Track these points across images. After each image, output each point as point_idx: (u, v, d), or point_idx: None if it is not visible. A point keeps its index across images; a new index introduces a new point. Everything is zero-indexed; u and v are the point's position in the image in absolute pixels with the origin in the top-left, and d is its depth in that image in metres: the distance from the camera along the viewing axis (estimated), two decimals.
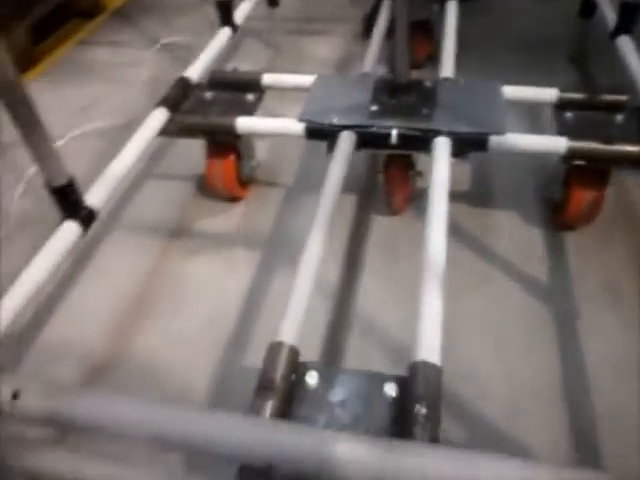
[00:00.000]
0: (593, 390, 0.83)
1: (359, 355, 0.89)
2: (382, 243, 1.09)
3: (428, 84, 1.05)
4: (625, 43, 1.18)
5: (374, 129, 0.97)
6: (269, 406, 0.60)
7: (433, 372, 0.62)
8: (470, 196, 1.17)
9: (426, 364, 0.62)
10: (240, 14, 1.38)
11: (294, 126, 1.00)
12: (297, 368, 0.65)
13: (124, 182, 1.00)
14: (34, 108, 0.72)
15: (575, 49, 1.52)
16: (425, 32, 1.51)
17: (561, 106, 1.02)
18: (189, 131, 1.06)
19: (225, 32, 1.32)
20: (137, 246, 1.11)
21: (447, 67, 1.12)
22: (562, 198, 1.05)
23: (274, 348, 0.65)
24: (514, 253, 1.04)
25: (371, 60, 1.18)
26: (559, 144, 0.92)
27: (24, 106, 0.71)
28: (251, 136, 1.16)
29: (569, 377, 0.85)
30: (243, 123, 1.02)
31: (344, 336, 0.92)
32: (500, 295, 0.97)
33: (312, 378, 0.65)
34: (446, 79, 1.08)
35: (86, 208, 0.85)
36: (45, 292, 1.00)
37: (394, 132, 0.96)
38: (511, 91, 1.04)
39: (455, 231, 1.08)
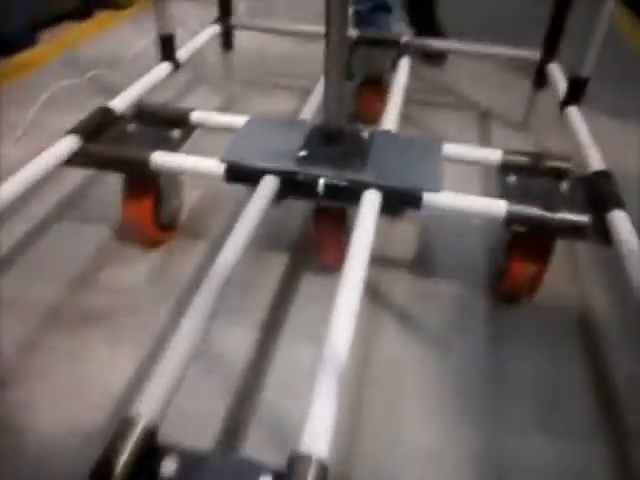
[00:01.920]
0: None
1: (255, 442, 0.76)
2: (309, 305, 0.97)
3: (364, 135, 0.97)
4: (573, 114, 1.14)
5: (300, 176, 0.88)
6: None
7: (317, 468, 0.50)
8: (411, 262, 1.08)
9: (309, 458, 0.50)
10: (184, 52, 1.32)
11: (214, 166, 0.90)
12: (151, 452, 0.52)
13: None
14: None
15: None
16: (378, 88, 1.47)
17: (504, 168, 0.96)
18: (98, 163, 0.96)
19: (163, 67, 1.25)
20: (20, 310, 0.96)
21: (389, 120, 1.05)
22: (504, 267, 0.97)
23: (122, 425, 0.52)
24: (447, 327, 0.95)
25: (311, 107, 1.11)
26: (498, 208, 0.84)
27: None
28: (173, 176, 1.07)
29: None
30: (158, 158, 0.92)
31: (243, 419, 0.79)
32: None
33: (169, 466, 0.52)
34: (385, 132, 1.01)
35: None
36: None
37: (321, 181, 0.87)
38: (453, 149, 0.97)
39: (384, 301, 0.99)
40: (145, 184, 1.01)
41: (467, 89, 1.74)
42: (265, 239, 1.09)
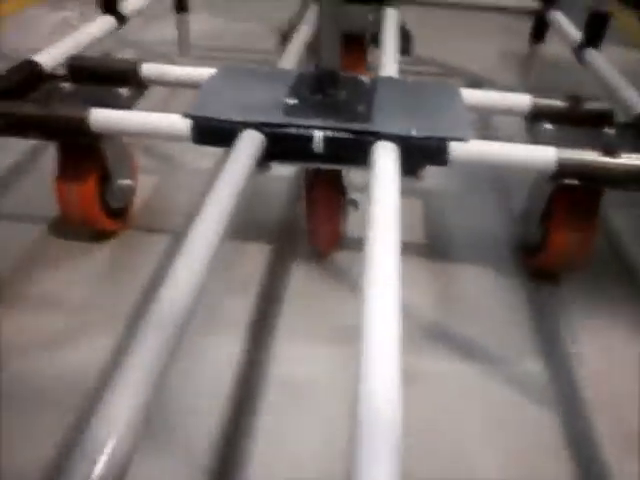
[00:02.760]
0: None
1: None
2: (300, 303, 0.77)
3: (365, 80, 0.78)
4: (595, 56, 0.98)
5: (290, 129, 0.68)
6: None
7: None
8: (425, 245, 0.89)
9: None
10: (130, 4, 1.09)
11: (176, 123, 0.69)
12: None
13: None
14: None
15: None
16: (360, 48, 1.29)
17: (535, 115, 0.79)
18: (21, 126, 0.72)
19: (105, 20, 1.02)
20: None
21: (389, 68, 0.86)
22: (540, 238, 0.80)
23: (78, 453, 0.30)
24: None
25: (291, 58, 0.91)
26: (547, 155, 0.66)
27: None
28: (121, 147, 0.84)
29: None
30: (100, 116, 0.70)
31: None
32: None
33: None
34: (389, 77, 0.82)
35: None
36: None
37: (318, 134, 0.67)
38: (471, 95, 0.79)
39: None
40: (86, 156, 0.79)
41: (451, 55, 1.57)
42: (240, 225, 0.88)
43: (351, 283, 0.80)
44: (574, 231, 0.75)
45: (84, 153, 0.79)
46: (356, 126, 0.67)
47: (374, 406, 0.35)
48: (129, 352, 0.38)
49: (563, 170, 0.66)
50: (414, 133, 0.67)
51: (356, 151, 0.67)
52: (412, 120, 0.69)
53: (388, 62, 0.88)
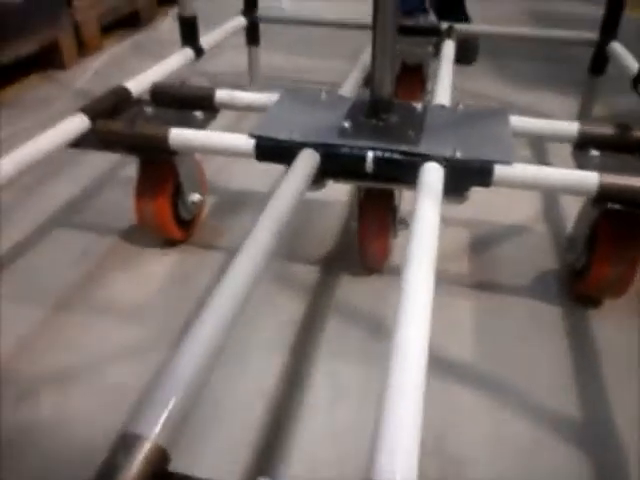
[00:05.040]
0: None
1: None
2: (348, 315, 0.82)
3: (417, 107, 0.84)
4: None
5: (344, 149, 0.74)
6: None
7: None
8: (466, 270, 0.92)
9: None
10: (208, 39, 1.21)
11: (242, 142, 0.77)
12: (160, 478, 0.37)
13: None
14: None
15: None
16: (418, 78, 1.35)
17: (583, 142, 0.81)
18: (109, 142, 0.83)
19: (185, 53, 1.14)
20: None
21: (442, 95, 0.92)
22: (585, 262, 0.81)
23: (124, 442, 0.37)
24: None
25: (351, 85, 0.98)
26: (588, 180, 0.69)
27: None
28: (194, 165, 0.94)
29: None
30: (178, 135, 0.80)
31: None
32: None
33: None
34: (440, 105, 0.87)
35: None
36: None
37: (370, 154, 0.73)
38: (520, 122, 0.83)
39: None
40: (163, 172, 0.89)
41: (503, 90, 1.59)
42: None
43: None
44: (617, 258, 0.76)
45: (161, 169, 0.89)
46: (404, 147, 0.73)
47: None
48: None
49: (604, 193, 0.68)
50: (459, 155, 0.71)
51: (404, 171, 0.72)
52: (458, 143, 0.74)
53: (441, 90, 0.94)
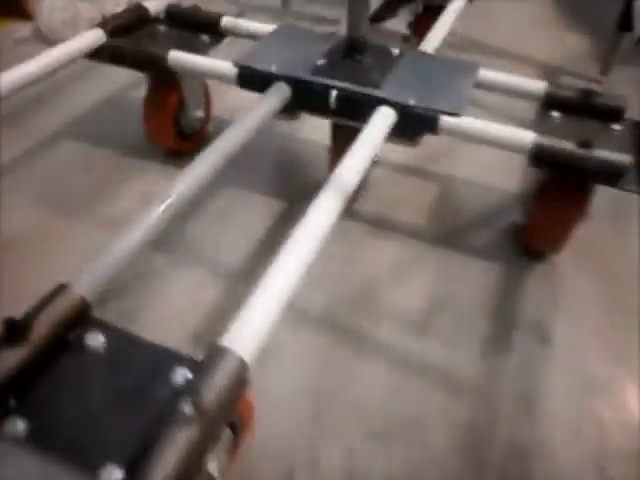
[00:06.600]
0: None
1: None
2: None
3: (393, 51, 0.89)
4: None
5: (312, 86, 0.82)
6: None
7: (234, 364, 0.47)
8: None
9: (228, 353, 0.47)
10: None
11: (227, 69, 0.86)
12: (80, 323, 0.51)
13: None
14: None
15: None
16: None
17: (548, 103, 0.85)
18: (119, 58, 0.94)
19: None
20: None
21: (431, 42, 0.96)
22: (528, 218, 0.88)
23: (56, 291, 0.51)
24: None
25: None
26: (524, 138, 0.75)
27: None
28: (197, 83, 1.04)
29: None
30: (176, 57, 0.90)
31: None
32: None
33: (95, 339, 0.51)
34: (420, 52, 0.92)
35: None
36: None
37: (333, 93, 0.81)
38: (491, 76, 0.87)
39: None
40: (168, 88, 1.00)
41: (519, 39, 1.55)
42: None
43: None
44: (552, 215, 0.82)
45: (167, 85, 0.99)
46: (364, 89, 0.80)
47: None
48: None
49: (536, 153, 0.74)
50: (412, 102, 0.78)
51: (362, 111, 0.80)
52: (416, 91, 0.80)
53: (434, 36, 0.97)
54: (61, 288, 0.51)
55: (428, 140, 0.81)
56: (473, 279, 0.86)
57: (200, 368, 0.46)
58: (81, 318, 0.52)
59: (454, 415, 0.69)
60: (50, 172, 1.04)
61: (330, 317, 0.80)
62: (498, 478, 0.64)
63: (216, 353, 0.47)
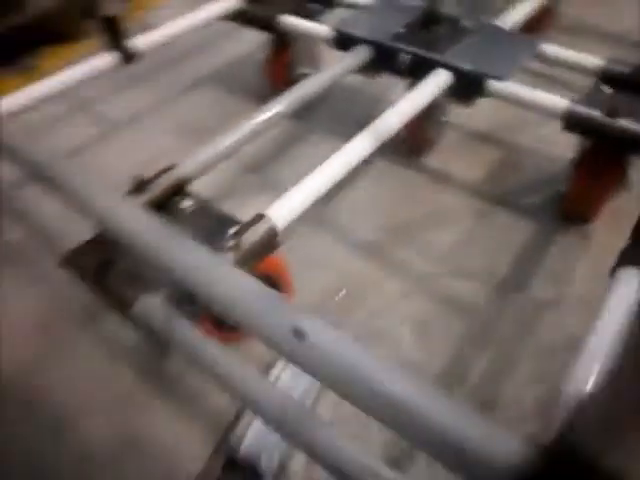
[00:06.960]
0: None
1: None
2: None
3: (465, 23, 1.02)
4: None
5: (389, 49, 0.99)
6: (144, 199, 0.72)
7: (266, 227, 0.67)
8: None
9: (265, 219, 0.68)
10: None
11: (324, 32, 1.06)
12: (181, 192, 0.76)
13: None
14: None
15: None
16: None
17: (603, 78, 0.92)
18: (248, 19, 1.18)
19: None
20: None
21: (510, 17, 1.06)
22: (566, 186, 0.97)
23: (165, 171, 0.76)
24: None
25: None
26: (557, 104, 0.85)
27: None
28: (309, 44, 1.25)
29: None
30: (284, 20, 1.12)
31: None
32: None
33: (187, 204, 0.75)
34: (493, 25, 1.04)
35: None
36: None
37: (404, 56, 0.97)
38: (551, 50, 0.97)
39: None
40: (281, 47, 1.22)
41: None
42: None
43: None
44: (589, 183, 0.91)
45: (280, 44, 1.22)
46: (429, 54, 0.95)
47: None
48: None
49: (567, 120, 0.84)
50: (466, 67, 0.91)
51: (423, 71, 0.95)
52: (474, 58, 0.93)
53: (514, 12, 1.08)
54: (169, 168, 0.76)
55: (503, 109, 0.93)
56: (507, 231, 0.98)
57: (244, 226, 0.68)
58: (181, 191, 0.76)
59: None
60: (188, 110, 1.34)
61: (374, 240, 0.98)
62: None
63: (258, 218, 0.68)
